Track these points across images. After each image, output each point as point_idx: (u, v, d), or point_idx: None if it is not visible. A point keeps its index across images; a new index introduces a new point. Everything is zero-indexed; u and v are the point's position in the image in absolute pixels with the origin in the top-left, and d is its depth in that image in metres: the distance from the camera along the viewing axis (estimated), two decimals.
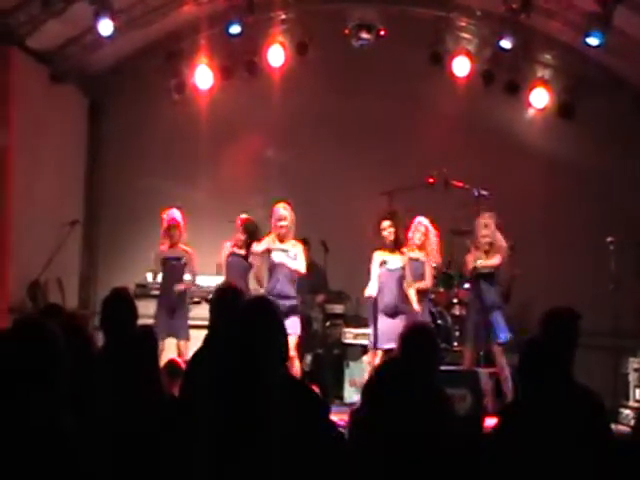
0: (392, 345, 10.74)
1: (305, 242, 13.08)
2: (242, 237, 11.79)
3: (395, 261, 11.04)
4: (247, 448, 4.29)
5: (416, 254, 11.43)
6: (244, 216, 12.02)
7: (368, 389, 4.97)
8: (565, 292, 12.11)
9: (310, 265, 13.19)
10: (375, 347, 10.86)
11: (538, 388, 5.01)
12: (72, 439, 3.78)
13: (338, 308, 13.35)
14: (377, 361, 10.86)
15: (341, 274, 13.05)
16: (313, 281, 12.98)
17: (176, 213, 11.91)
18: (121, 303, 6.54)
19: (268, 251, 11.06)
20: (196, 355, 5.92)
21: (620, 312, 11.21)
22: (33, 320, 4.24)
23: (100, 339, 6.35)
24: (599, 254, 11.95)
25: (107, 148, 15.04)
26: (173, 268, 11.76)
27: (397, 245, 11.05)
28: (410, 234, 11.56)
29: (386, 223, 11.06)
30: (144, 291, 12.84)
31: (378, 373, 4.98)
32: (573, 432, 4.78)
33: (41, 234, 12.69)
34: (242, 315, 4.71)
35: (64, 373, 3.93)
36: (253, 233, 11.74)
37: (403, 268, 11.06)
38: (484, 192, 12.90)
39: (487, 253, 11.17)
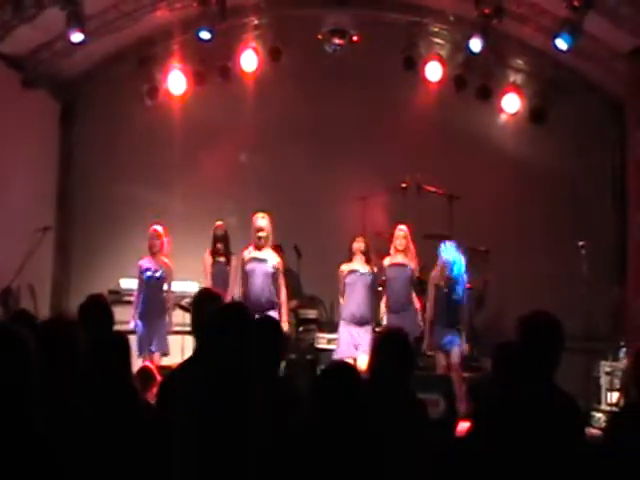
0: (352, 355, 10.84)
1: (278, 248, 13.12)
2: (221, 246, 11.96)
3: (364, 268, 11.15)
4: (228, 450, 4.30)
5: (400, 259, 11.46)
6: (220, 223, 12.12)
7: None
8: (537, 296, 12.17)
9: (283, 270, 13.23)
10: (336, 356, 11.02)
11: (516, 392, 5.02)
12: (45, 442, 3.78)
13: (311, 313, 13.34)
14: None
15: (314, 279, 13.05)
16: (286, 286, 12.98)
17: (158, 227, 11.93)
18: (97, 309, 6.54)
19: (246, 262, 11.25)
20: (184, 363, 5.92)
21: (592, 315, 11.30)
22: (3, 326, 4.23)
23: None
24: (571, 258, 12.02)
25: (80, 154, 14.98)
26: (150, 280, 11.77)
27: (366, 259, 11.15)
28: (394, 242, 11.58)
29: (358, 244, 11.19)
30: (117, 297, 12.78)
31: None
32: (549, 437, 4.80)
33: (13, 240, 12.61)
34: (217, 321, 4.71)
35: (35, 378, 3.92)
36: (228, 239, 11.96)
37: (371, 274, 11.14)
38: (456, 196, 12.98)
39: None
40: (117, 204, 14.27)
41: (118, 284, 13.33)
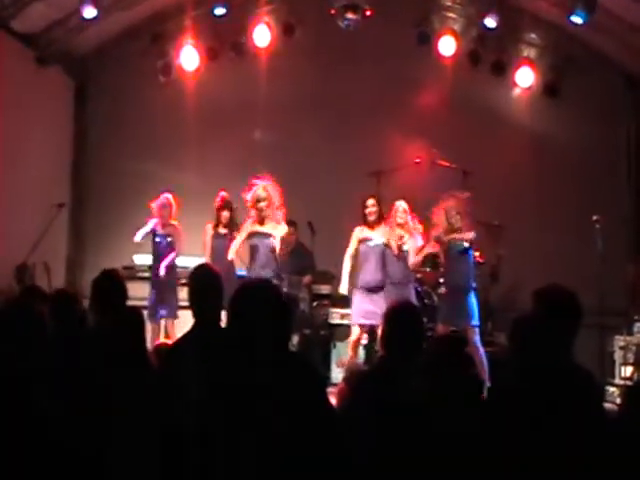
0: (369, 322, 10.87)
1: (292, 223, 13.12)
2: (227, 214, 11.93)
3: (377, 237, 11.14)
4: (241, 423, 4.31)
5: (399, 232, 11.42)
6: (224, 194, 12.12)
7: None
8: (551, 270, 12.18)
9: (297, 246, 13.25)
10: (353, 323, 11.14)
11: (533, 366, 5.02)
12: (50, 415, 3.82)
13: (325, 289, 13.35)
14: (353, 337, 10.99)
15: (328, 255, 13.02)
16: (300, 262, 13.01)
17: (168, 195, 12.02)
18: (111, 284, 6.58)
19: (248, 235, 11.19)
20: (185, 336, 5.93)
21: (606, 290, 11.25)
22: (16, 301, 4.27)
23: (90, 320, 6.36)
24: (585, 232, 11.97)
25: (94, 131, 14.99)
26: (159, 246, 11.90)
27: (379, 223, 11.13)
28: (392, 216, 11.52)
29: (370, 201, 11.15)
30: (131, 273, 12.85)
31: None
32: (566, 411, 4.80)
33: (28, 217, 12.67)
34: (237, 299, 4.71)
35: (46, 349, 3.95)
36: (234, 210, 11.94)
37: (385, 245, 11.14)
38: (470, 171, 12.96)
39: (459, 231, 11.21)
40: (131, 181, 14.29)
41: (132, 260, 13.37)
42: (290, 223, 13.18)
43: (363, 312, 11.00)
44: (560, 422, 4.78)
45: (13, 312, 4.08)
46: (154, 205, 12.03)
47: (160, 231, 11.99)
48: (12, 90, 12.31)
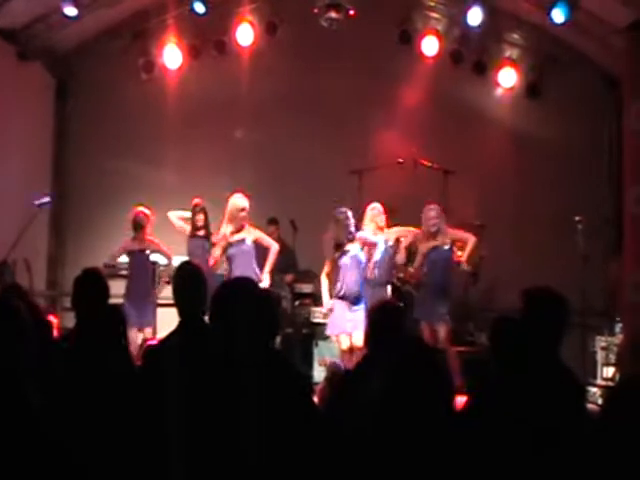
0: (351, 330, 10.86)
1: (274, 221, 13.13)
2: (202, 218, 11.94)
3: (354, 248, 11.07)
4: (224, 423, 4.30)
5: (380, 236, 11.44)
6: (198, 200, 12.13)
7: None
8: (533, 270, 12.22)
9: (279, 244, 13.24)
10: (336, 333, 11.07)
11: (519, 368, 5.02)
12: (38, 412, 3.80)
13: (307, 287, 13.33)
14: (343, 346, 10.92)
15: (310, 253, 13.04)
16: (282, 260, 12.98)
17: (146, 210, 12.02)
18: (93, 283, 6.54)
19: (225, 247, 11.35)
20: (169, 336, 5.91)
21: (588, 290, 11.29)
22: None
23: (71, 319, 6.33)
24: (567, 232, 12.01)
25: (75, 128, 14.94)
26: (140, 261, 11.91)
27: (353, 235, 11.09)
28: (368, 220, 11.51)
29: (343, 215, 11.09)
30: (112, 271, 12.76)
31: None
32: (551, 413, 4.80)
33: (8, 214, 12.60)
34: (218, 297, 4.70)
35: (30, 348, 3.94)
36: (206, 213, 11.98)
37: (363, 251, 11.11)
38: (451, 171, 12.99)
39: (434, 238, 11.32)
40: (112, 178, 14.25)
41: (113, 258, 13.32)
42: (272, 221, 13.23)
43: (345, 321, 10.93)
44: (541, 423, 4.78)
45: None
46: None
47: (135, 247, 11.97)
48: None
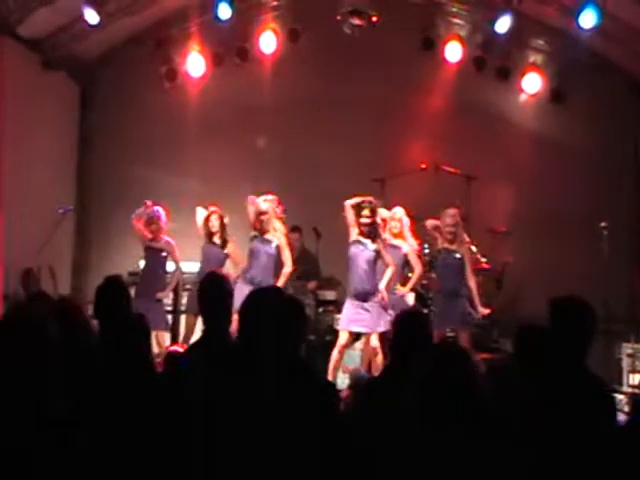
0: (358, 329, 10.84)
1: (297, 229, 13.12)
2: (217, 224, 11.90)
3: (367, 243, 11.02)
4: (247, 432, 4.29)
5: (395, 242, 11.43)
6: (213, 208, 12.09)
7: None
8: (557, 277, 12.16)
9: (302, 252, 13.26)
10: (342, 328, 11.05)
11: (543, 375, 4.99)
12: (61, 424, 3.80)
13: (330, 294, 13.33)
14: (341, 341, 10.91)
15: (333, 260, 13.03)
16: (305, 268, 13.00)
17: (159, 208, 12.00)
18: (115, 291, 6.55)
19: (250, 239, 11.35)
20: (194, 346, 5.89)
21: (613, 297, 11.23)
22: (23, 308, 4.25)
23: (94, 326, 6.34)
24: (591, 239, 11.95)
25: (98, 136, 14.99)
26: (155, 260, 11.86)
27: (372, 234, 11.02)
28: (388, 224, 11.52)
29: (366, 211, 11.03)
30: (136, 279, 12.79)
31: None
32: (578, 419, 4.76)
33: (33, 222, 12.66)
34: (246, 307, 4.68)
35: (56, 358, 3.94)
36: (223, 220, 11.94)
37: (375, 251, 11.02)
38: (475, 177, 12.96)
39: (451, 243, 11.25)
40: (135, 185, 14.27)
41: (137, 266, 13.34)
42: (295, 229, 13.22)
43: (353, 319, 10.90)
44: (567, 430, 4.74)
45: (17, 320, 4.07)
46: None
47: (153, 244, 11.95)
48: (18, 94, 12.32)
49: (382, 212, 11.29)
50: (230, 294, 5.82)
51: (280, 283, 11.09)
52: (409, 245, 11.54)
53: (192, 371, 4.98)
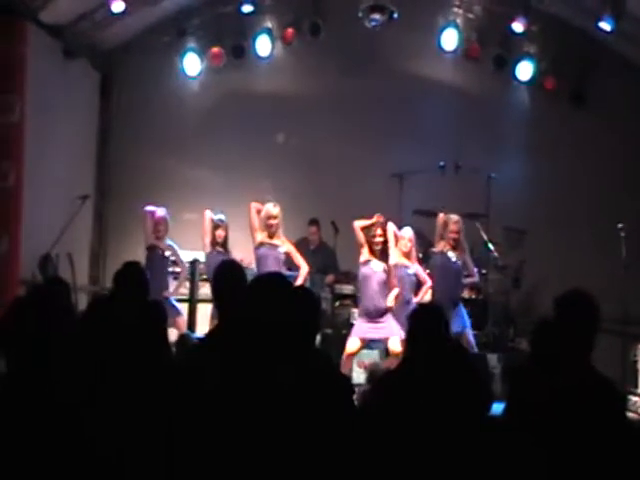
0: (370, 336, 10.85)
1: (315, 222, 13.14)
2: (223, 234, 11.92)
3: (378, 264, 10.98)
4: (259, 425, 4.29)
5: (404, 261, 11.41)
6: (221, 216, 12.12)
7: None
8: (574, 277, 12.11)
9: (320, 245, 13.27)
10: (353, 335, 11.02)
11: (560, 373, 4.98)
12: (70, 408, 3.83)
13: (347, 288, 13.30)
14: (352, 349, 10.88)
15: (350, 254, 12.98)
16: (322, 261, 13.01)
17: (161, 211, 12.07)
18: (133, 276, 6.57)
19: (258, 245, 11.28)
20: (210, 333, 5.89)
21: (629, 298, 11.20)
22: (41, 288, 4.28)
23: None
24: (610, 239, 11.92)
25: (118, 124, 15.01)
26: (158, 259, 11.94)
27: (383, 255, 11.02)
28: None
29: (379, 231, 11.02)
30: None
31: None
32: (587, 420, 4.75)
33: (53, 208, 12.70)
34: (258, 292, 4.68)
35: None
36: (227, 231, 11.97)
37: (385, 271, 10.99)
38: (494, 175, 12.94)
39: (454, 250, 11.27)
40: (154, 175, 14.31)
41: None
42: (313, 222, 13.24)
43: (367, 329, 10.91)
44: (582, 430, 4.73)
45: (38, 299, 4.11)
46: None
47: (159, 245, 12.03)
48: (39, 80, 12.31)
49: (390, 226, 11.24)
50: (244, 280, 5.82)
51: (298, 283, 11.10)
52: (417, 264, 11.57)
53: (207, 358, 4.97)
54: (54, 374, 3.99)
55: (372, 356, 11.49)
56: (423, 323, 5.58)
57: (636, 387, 11.40)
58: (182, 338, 7.45)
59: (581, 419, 4.74)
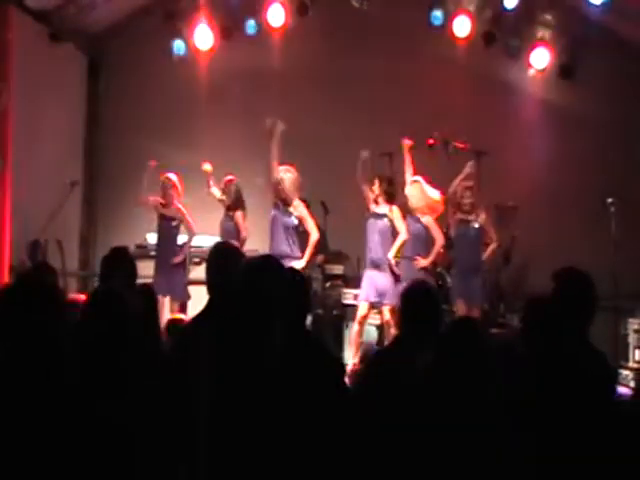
0: (377, 300, 10.97)
1: (304, 202, 13.12)
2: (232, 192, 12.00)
3: (381, 208, 11.14)
4: (249, 405, 4.29)
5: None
6: (230, 177, 12.17)
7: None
8: (565, 253, 12.12)
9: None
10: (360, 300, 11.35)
11: (547, 349, 5.00)
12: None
13: (338, 269, 13.33)
14: (362, 312, 11.05)
15: (341, 235, 13.05)
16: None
17: (172, 175, 12.09)
18: (120, 261, 6.56)
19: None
20: (198, 316, 5.89)
21: (620, 273, 11.22)
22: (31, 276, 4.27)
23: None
24: (600, 214, 11.94)
25: (106, 108, 14.99)
26: (167, 228, 11.96)
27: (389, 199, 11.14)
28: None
29: (375, 182, 11.32)
30: (143, 252, 12.86)
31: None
32: (580, 394, 4.77)
33: (41, 194, 12.67)
34: (248, 274, 4.68)
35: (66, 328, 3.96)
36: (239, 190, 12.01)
37: (389, 219, 11.09)
38: (484, 152, 12.92)
39: (469, 214, 11.34)
40: (143, 158, 14.19)
41: (145, 239, 13.38)
42: (302, 202, 13.20)
43: (373, 290, 11.09)
44: (572, 405, 4.75)
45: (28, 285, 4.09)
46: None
47: (165, 212, 12.04)
48: (26, 66, 12.29)
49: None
50: (236, 264, 5.79)
51: (308, 252, 11.15)
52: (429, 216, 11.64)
53: (195, 340, 4.97)
54: (65, 360, 4.00)
55: (371, 335, 11.59)
56: (414, 300, 5.56)
57: (627, 361, 11.47)
58: (170, 322, 7.43)
59: (573, 392, 4.76)
